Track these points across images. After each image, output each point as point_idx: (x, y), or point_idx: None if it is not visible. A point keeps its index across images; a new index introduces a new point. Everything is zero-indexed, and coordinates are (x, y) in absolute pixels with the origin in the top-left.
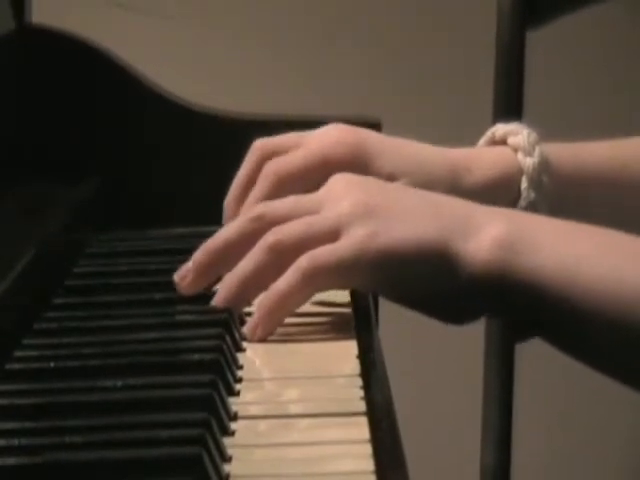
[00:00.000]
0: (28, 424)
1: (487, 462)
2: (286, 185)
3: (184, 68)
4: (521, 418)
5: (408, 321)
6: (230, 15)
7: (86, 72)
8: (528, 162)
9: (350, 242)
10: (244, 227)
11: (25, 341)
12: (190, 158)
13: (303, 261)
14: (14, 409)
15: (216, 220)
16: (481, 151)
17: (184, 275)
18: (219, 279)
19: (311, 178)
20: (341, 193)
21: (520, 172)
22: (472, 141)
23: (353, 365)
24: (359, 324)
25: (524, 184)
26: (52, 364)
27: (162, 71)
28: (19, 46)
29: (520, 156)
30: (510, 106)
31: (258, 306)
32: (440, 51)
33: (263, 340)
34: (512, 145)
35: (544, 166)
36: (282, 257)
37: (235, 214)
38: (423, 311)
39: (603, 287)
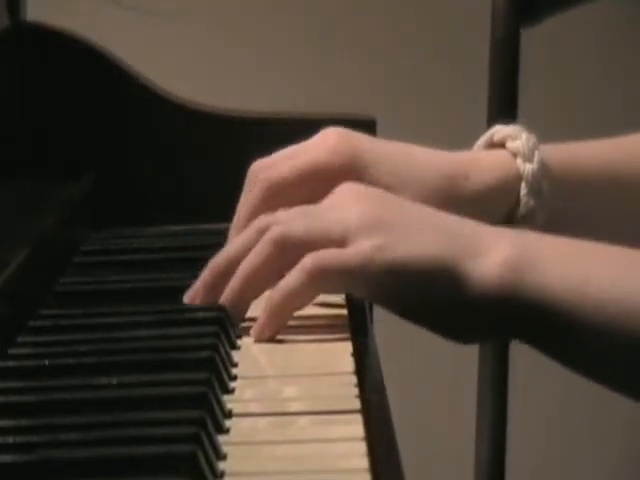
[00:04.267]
0: (23, 422)
1: (482, 457)
2: (279, 193)
3: (184, 67)
4: (515, 413)
5: (403, 320)
6: (230, 15)
7: (82, 70)
8: (527, 168)
9: (357, 251)
10: (249, 241)
11: (20, 339)
12: (187, 156)
13: (308, 261)
14: (9, 407)
15: (213, 218)
16: (479, 156)
17: (194, 296)
18: None
19: (304, 187)
20: (349, 203)
21: (519, 178)
22: (467, 138)
23: (348, 363)
24: (354, 323)
25: (523, 191)
26: (47, 362)
27: (161, 70)
28: (14, 44)
29: (519, 162)
30: (505, 104)
31: (265, 306)
32: (435, 49)
33: (270, 340)
34: (511, 150)
35: (543, 172)
36: (286, 252)
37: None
38: (426, 326)
39: (612, 302)
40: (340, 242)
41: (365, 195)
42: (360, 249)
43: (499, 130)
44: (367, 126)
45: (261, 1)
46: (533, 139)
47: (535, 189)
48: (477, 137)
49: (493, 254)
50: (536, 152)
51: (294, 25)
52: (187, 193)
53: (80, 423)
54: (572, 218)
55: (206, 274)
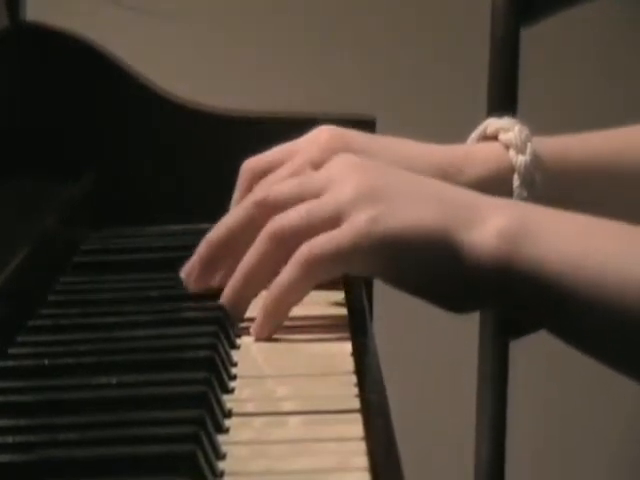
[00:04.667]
0: (22, 421)
1: (482, 457)
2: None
3: (184, 67)
4: (515, 413)
5: (402, 318)
6: (230, 15)
7: (82, 70)
8: (520, 160)
9: (350, 228)
10: (246, 213)
11: (19, 338)
12: (187, 156)
13: (301, 253)
14: (8, 406)
15: (213, 218)
16: (472, 149)
17: (190, 271)
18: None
19: None
20: (343, 175)
21: (512, 170)
22: (467, 138)
23: (348, 363)
24: (354, 323)
25: (516, 182)
26: (47, 361)
27: (161, 70)
28: (14, 44)
29: (512, 153)
30: (504, 103)
31: (262, 304)
32: (435, 48)
33: (270, 338)
34: (504, 142)
35: (536, 164)
36: (284, 246)
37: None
38: (423, 297)
39: (610, 277)
40: (336, 219)
41: (359, 166)
42: (354, 224)
43: (492, 123)
44: (367, 126)
45: (261, 1)
46: (526, 131)
47: (528, 181)
48: None
49: (489, 224)
50: (529, 144)
51: (294, 25)
52: (187, 193)
53: (79, 423)
54: (566, 209)
55: (202, 248)
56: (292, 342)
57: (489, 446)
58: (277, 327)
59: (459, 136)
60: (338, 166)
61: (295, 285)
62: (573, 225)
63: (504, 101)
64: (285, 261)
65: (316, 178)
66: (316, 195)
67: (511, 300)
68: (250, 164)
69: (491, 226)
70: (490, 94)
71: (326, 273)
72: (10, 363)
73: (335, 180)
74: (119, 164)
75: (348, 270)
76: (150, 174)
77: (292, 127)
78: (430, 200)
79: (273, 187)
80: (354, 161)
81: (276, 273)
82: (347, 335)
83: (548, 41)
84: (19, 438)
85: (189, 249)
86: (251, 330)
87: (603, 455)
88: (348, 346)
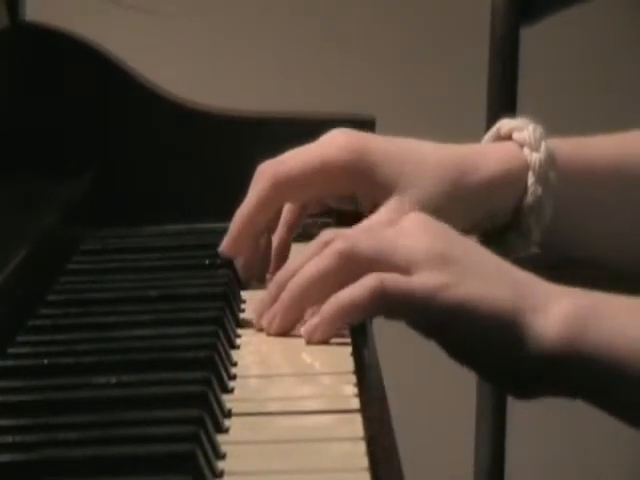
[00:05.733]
0: (22, 421)
1: (481, 461)
2: (285, 189)
3: (184, 67)
4: (515, 417)
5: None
6: (230, 15)
7: (81, 70)
8: (534, 157)
9: (424, 282)
10: (315, 255)
11: (19, 338)
12: (187, 156)
13: (372, 279)
14: (8, 406)
15: (213, 218)
16: (486, 148)
17: (271, 319)
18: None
19: (311, 184)
20: (418, 233)
21: (526, 168)
22: (467, 137)
23: (348, 363)
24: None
25: (531, 179)
26: (46, 361)
27: (161, 70)
28: (13, 44)
29: (526, 151)
30: (504, 102)
31: (321, 310)
32: (435, 47)
33: (320, 343)
34: (518, 140)
35: (550, 161)
36: (349, 266)
37: (244, 242)
38: (482, 375)
39: None
40: (404, 270)
41: (433, 229)
42: (427, 280)
43: (506, 123)
44: (367, 125)
45: (261, 1)
46: (540, 130)
47: (542, 178)
48: (477, 135)
49: (555, 309)
50: (543, 142)
51: (294, 25)
52: (187, 193)
53: (79, 422)
54: (580, 207)
55: (272, 288)
56: (292, 342)
57: (489, 447)
58: (328, 337)
59: (459, 135)
60: (412, 223)
61: (359, 305)
62: (631, 305)
63: (504, 100)
64: (343, 282)
65: (388, 230)
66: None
67: (576, 384)
68: (266, 165)
69: (556, 310)
70: (490, 93)
71: (388, 310)
72: (10, 363)
73: (409, 235)
74: (119, 164)
75: (409, 320)
76: (150, 174)
77: (292, 127)
78: (499, 278)
79: (343, 231)
80: (427, 222)
81: (331, 290)
82: (347, 335)
83: (548, 41)
84: (18, 438)
85: (188, 249)
86: (301, 330)
87: (605, 457)
88: (348, 346)
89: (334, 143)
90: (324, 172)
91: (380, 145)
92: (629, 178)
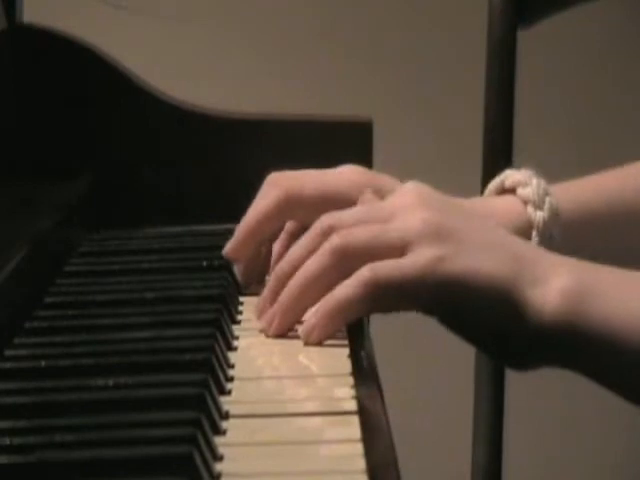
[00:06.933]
0: (19, 423)
1: (478, 461)
2: (296, 208)
3: (183, 67)
4: (512, 416)
5: (399, 320)
6: (230, 15)
7: (79, 71)
8: (538, 217)
9: (416, 261)
10: (313, 244)
11: (16, 340)
12: (184, 157)
13: (365, 272)
14: (5, 408)
15: (213, 219)
16: (490, 203)
17: (270, 320)
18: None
19: (321, 210)
20: (412, 207)
21: (530, 225)
22: (463, 139)
23: (345, 364)
24: (351, 324)
25: (535, 239)
26: (43, 363)
27: (160, 70)
28: (10, 46)
29: (530, 209)
30: (501, 104)
31: (317, 309)
32: (432, 50)
33: (318, 344)
34: (522, 197)
35: (554, 219)
36: (345, 262)
37: (248, 248)
38: (483, 349)
39: None
40: (401, 249)
41: (429, 199)
42: (419, 258)
43: (509, 175)
44: (364, 127)
45: (261, 2)
46: (543, 184)
47: (546, 236)
48: (474, 138)
49: (552, 282)
50: (547, 199)
51: (292, 26)
52: (186, 194)
53: (76, 424)
54: (584, 257)
55: (272, 282)
56: (289, 344)
57: (485, 448)
58: (326, 336)
59: (457, 137)
60: (406, 197)
61: (354, 300)
62: (632, 280)
63: (501, 102)
64: (341, 278)
65: (385, 205)
66: (383, 222)
67: (574, 358)
68: (284, 184)
69: (554, 284)
70: (487, 95)
71: (385, 299)
72: (7, 365)
73: (405, 208)
74: (117, 166)
75: (406, 302)
76: (149, 175)
77: (292, 128)
78: (496, 248)
79: (340, 214)
80: (426, 191)
81: (330, 288)
82: (344, 337)
83: (545, 43)
84: (16, 440)
85: (186, 251)
86: (299, 331)
87: (603, 456)
88: (345, 348)
89: (351, 179)
90: (337, 203)
91: (388, 185)
92: (635, 224)
